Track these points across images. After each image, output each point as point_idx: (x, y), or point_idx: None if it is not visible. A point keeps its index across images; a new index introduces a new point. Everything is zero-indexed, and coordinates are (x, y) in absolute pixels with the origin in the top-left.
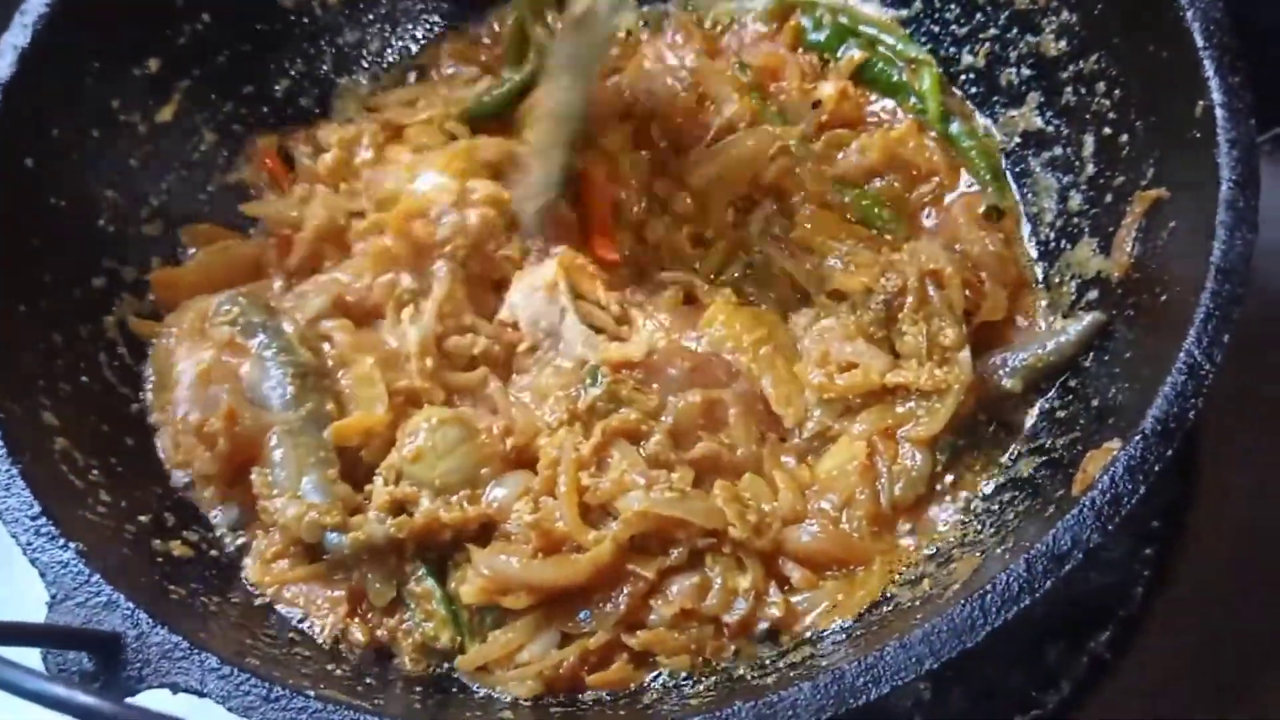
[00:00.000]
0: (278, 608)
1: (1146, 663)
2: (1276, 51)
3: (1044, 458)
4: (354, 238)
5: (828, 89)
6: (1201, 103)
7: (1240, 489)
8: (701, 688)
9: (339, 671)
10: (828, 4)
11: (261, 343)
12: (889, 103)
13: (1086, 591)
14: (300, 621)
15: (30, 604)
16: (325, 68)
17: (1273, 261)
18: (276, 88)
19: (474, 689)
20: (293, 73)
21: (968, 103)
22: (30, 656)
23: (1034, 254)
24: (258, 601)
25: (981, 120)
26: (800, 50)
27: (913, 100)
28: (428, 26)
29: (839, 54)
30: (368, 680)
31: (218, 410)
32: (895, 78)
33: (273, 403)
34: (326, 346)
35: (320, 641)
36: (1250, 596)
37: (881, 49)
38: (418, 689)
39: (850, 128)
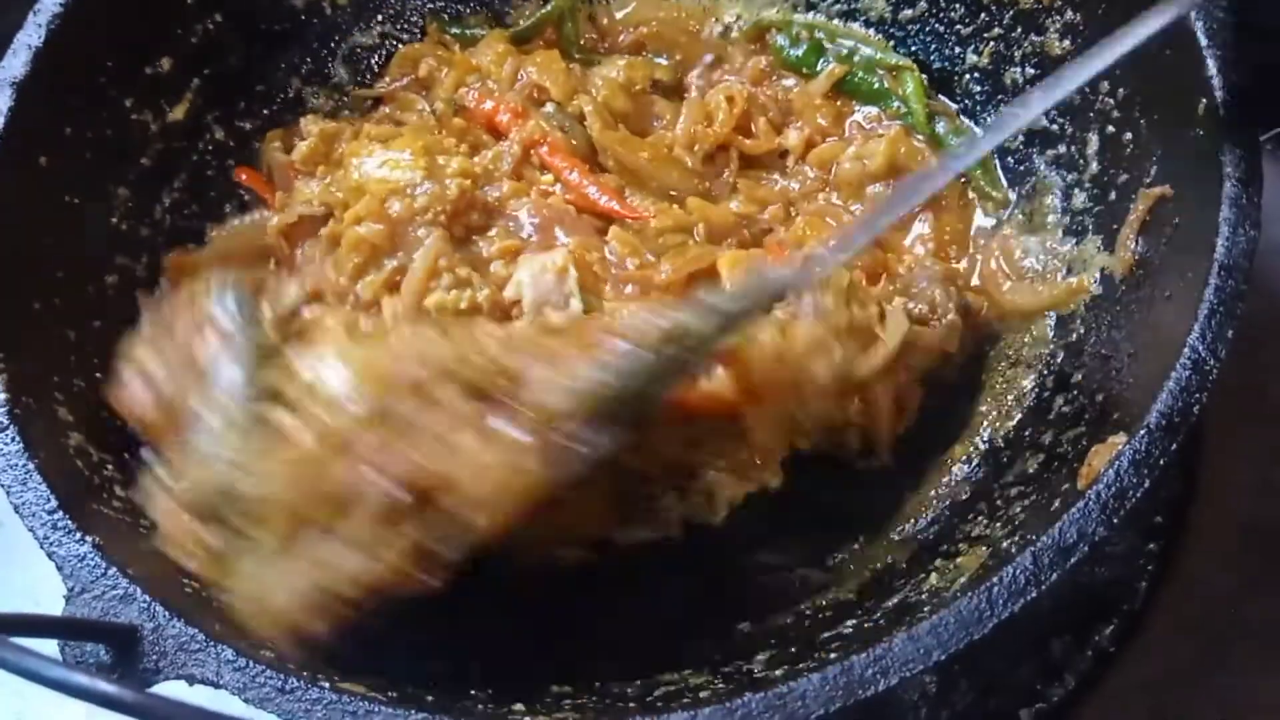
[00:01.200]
0: None
1: (1150, 656)
2: (1278, 51)
3: (1049, 453)
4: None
5: (793, 137)
6: (1204, 101)
7: (1243, 485)
8: (710, 681)
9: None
10: (803, 21)
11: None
12: (870, 109)
13: (1091, 586)
14: None
15: (45, 597)
16: (335, 68)
17: (1276, 260)
18: (288, 87)
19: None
20: (303, 72)
21: (950, 103)
22: (48, 649)
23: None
24: None
25: (965, 121)
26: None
27: (896, 105)
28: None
29: (818, 68)
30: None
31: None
32: (877, 85)
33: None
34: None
35: None
36: (1253, 591)
37: (859, 59)
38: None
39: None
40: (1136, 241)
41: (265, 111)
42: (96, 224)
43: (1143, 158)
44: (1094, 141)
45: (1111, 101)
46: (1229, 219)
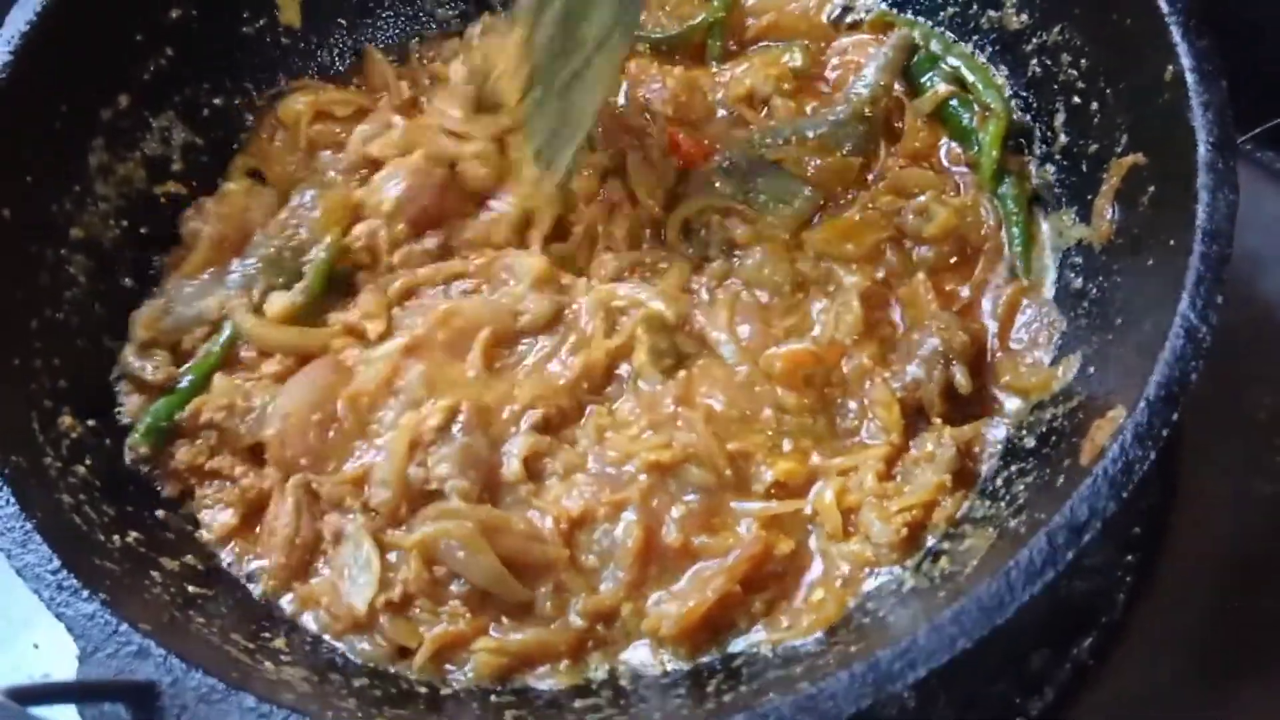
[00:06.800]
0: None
1: (1130, 668)
2: (1257, 49)
3: (1046, 429)
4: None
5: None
6: (1170, 68)
7: (1220, 496)
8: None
9: (379, 693)
10: (924, 30)
11: None
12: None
13: (1070, 597)
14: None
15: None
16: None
17: (1249, 268)
18: (249, 115)
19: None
20: (259, 101)
21: (1031, 164)
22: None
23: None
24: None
25: (1036, 177)
26: None
27: (975, 149)
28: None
29: (924, 82)
30: (411, 704)
31: None
32: (965, 122)
33: None
34: None
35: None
36: (1231, 601)
37: (964, 86)
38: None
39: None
40: (1113, 211)
41: (228, 140)
42: (63, 269)
43: (1111, 128)
44: (1060, 114)
45: (1075, 73)
46: (1207, 184)
